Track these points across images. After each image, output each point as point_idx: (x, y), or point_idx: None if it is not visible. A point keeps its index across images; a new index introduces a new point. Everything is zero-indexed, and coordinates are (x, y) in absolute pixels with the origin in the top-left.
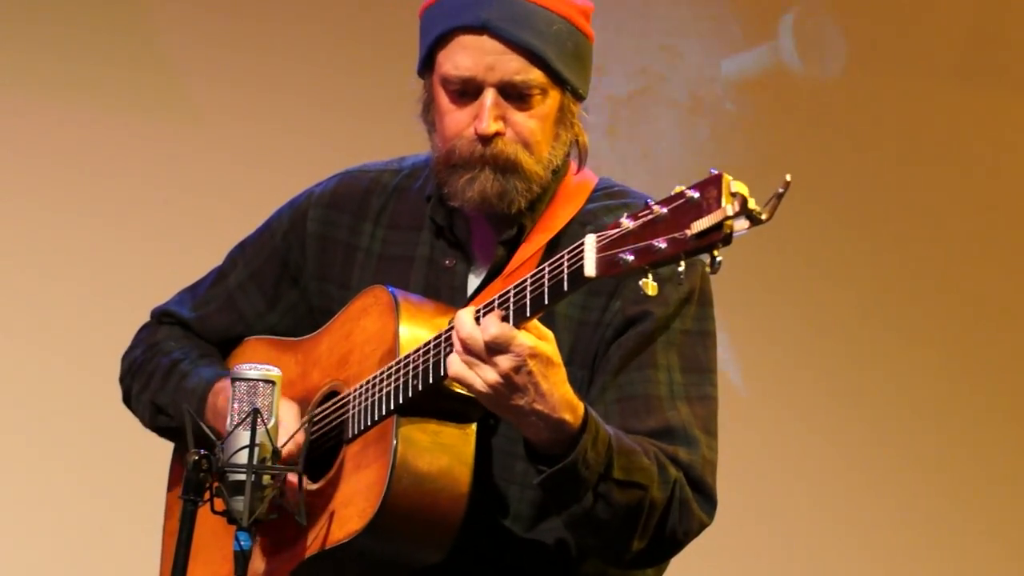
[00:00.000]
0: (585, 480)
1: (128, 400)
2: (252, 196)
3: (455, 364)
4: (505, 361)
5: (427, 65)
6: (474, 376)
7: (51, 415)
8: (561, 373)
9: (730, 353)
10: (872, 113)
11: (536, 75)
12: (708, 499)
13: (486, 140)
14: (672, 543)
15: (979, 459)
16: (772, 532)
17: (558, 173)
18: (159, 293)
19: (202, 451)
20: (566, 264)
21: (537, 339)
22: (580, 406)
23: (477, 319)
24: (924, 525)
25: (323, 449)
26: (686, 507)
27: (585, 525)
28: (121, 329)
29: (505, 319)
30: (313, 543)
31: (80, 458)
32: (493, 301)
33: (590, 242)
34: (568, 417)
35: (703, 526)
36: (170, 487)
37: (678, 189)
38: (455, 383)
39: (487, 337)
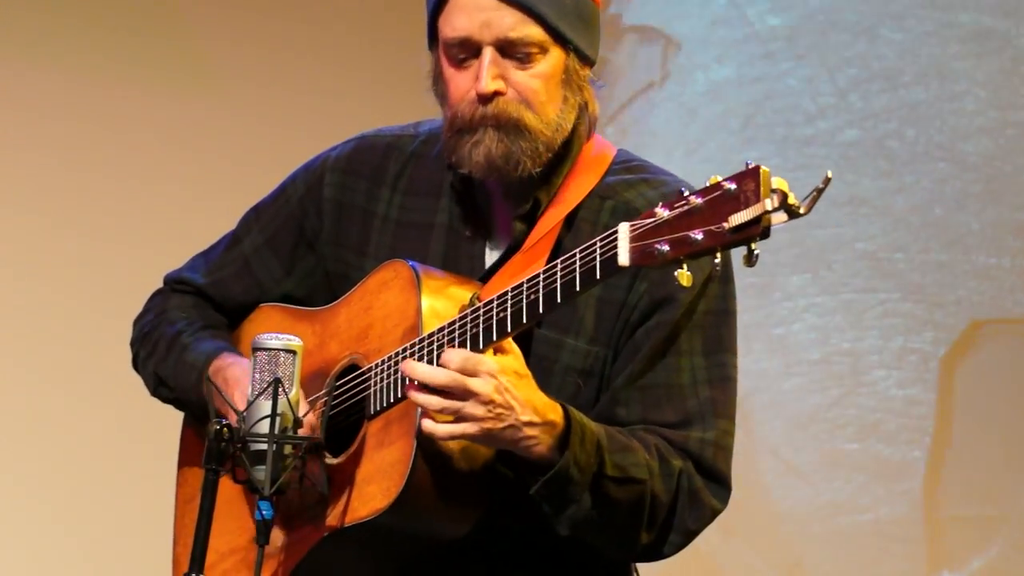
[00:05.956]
0: (579, 482)
1: (136, 365)
2: (261, 165)
3: (441, 428)
4: (481, 386)
5: (432, 36)
6: (463, 425)
7: (54, 387)
8: (531, 382)
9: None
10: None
11: (534, 31)
12: (721, 485)
13: (486, 99)
14: (683, 533)
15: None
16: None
17: (572, 143)
18: (170, 264)
19: (223, 420)
20: (599, 252)
21: (499, 357)
22: (559, 405)
23: (431, 361)
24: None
25: (344, 424)
26: (696, 497)
27: (587, 527)
28: (127, 305)
29: (534, 303)
30: (335, 519)
31: (85, 435)
32: (457, 324)
33: (623, 231)
34: (554, 417)
35: (715, 513)
36: (181, 457)
37: (713, 180)
38: None
39: (455, 366)
